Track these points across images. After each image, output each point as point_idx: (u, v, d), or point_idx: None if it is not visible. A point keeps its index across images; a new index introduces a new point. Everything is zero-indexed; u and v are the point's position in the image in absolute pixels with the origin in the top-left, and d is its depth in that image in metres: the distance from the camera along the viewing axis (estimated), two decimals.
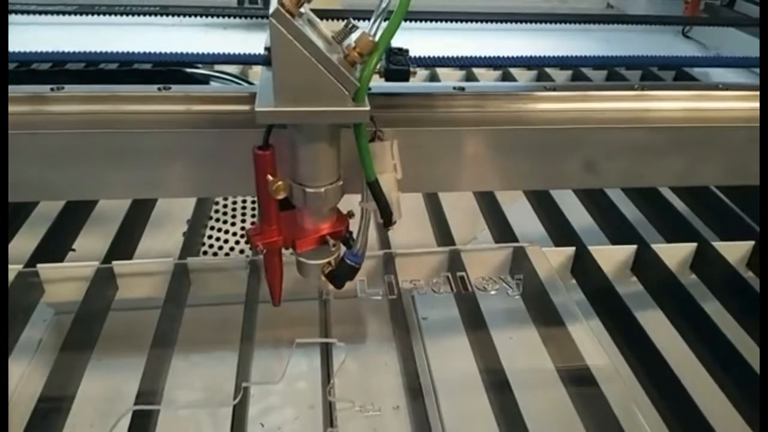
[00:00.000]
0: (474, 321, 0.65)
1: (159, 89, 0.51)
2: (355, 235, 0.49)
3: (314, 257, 0.49)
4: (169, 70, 0.59)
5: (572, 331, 0.62)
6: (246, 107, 0.51)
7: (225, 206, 0.94)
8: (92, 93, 0.50)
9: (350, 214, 0.50)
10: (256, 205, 0.90)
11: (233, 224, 0.92)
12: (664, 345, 0.61)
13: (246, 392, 0.55)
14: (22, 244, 0.75)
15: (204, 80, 0.59)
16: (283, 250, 0.51)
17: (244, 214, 0.94)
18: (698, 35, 1.31)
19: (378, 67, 0.43)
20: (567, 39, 1.08)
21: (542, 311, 0.66)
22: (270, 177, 0.44)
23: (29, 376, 0.68)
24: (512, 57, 0.82)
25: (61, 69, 0.61)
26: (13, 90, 0.50)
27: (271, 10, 0.39)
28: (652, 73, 1.09)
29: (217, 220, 0.92)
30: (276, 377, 0.57)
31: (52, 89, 0.50)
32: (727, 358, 0.60)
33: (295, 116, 0.41)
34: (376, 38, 0.41)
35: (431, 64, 0.63)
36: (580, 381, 0.58)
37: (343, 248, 0.50)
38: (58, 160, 0.49)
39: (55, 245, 0.75)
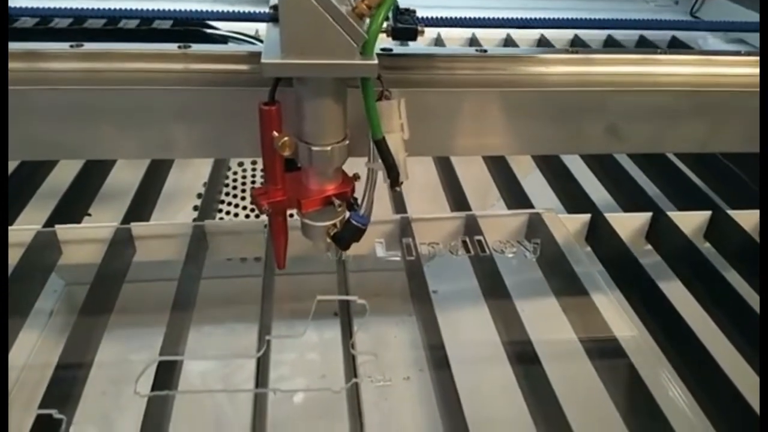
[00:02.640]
0: (492, 285, 0.65)
1: (179, 47, 0.51)
2: (360, 198, 0.49)
3: (319, 219, 0.49)
4: (187, 30, 0.60)
5: (596, 300, 0.62)
6: (256, 66, 0.50)
7: (235, 180, 0.95)
8: (112, 50, 0.50)
9: (356, 177, 0.50)
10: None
11: (243, 198, 0.93)
12: (683, 313, 0.61)
13: (269, 345, 0.56)
14: (38, 209, 0.76)
15: (222, 40, 0.59)
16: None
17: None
18: (706, 14, 1.31)
19: (385, 25, 0.42)
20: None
21: (562, 278, 0.66)
22: (276, 133, 0.44)
23: (41, 346, 0.70)
24: (516, 19, 0.82)
25: (80, 27, 0.61)
26: (33, 46, 0.50)
27: None
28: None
29: (227, 194, 0.93)
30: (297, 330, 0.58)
31: (71, 46, 0.50)
32: (747, 325, 0.60)
33: (302, 69, 0.41)
34: None
35: (439, 24, 0.62)
36: (606, 353, 0.58)
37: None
38: (76, 116, 0.49)
39: (71, 211, 0.76)
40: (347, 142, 0.46)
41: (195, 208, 0.89)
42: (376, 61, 0.41)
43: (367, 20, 0.41)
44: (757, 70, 0.56)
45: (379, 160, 0.46)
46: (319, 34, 0.40)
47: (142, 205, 0.78)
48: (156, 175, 0.85)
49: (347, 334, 0.59)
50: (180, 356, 0.58)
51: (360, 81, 0.43)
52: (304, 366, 0.73)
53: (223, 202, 0.91)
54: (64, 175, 0.81)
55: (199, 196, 0.89)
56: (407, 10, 0.49)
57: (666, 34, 1.16)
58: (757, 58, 0.56)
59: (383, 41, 0.45)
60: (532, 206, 0.76)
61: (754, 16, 1.13)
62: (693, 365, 0.57)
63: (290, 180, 0.48)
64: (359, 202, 0.49)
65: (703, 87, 0.55)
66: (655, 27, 1.02)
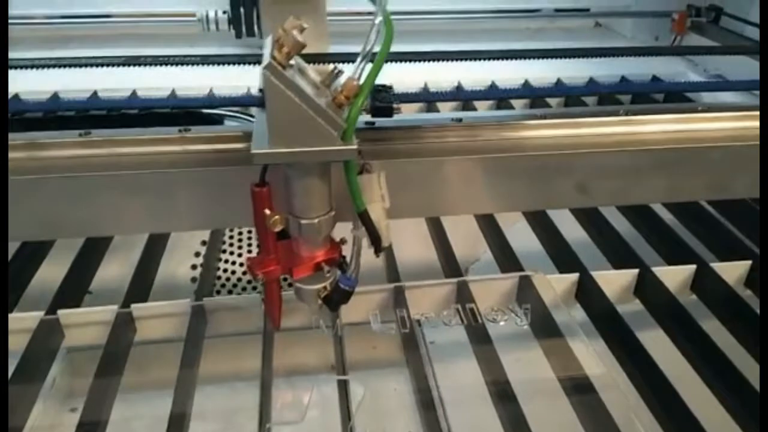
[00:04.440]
0: (483, 347, 0.67)
1: (179, 131, 0.55)
2: (348, 260, 0.52)
3: (310, 283, 0.52)
4: (186, 112, 0.64)
5: (572, 344, 0.65)
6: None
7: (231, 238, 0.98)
8: (118, 137, 0.54)
9: (342, 241, 0.53)
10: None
11: (240, 255, 0.96)
12: (664, 362, 0.63)
13: None
14: (42, 286, 0.79)
15: (219, 120, 0.63)
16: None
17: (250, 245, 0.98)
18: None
19: (365, 104, 0.46)
20: (558, 61, 1.11)
21: (547, 332, 0.68)
22: (267, 211, 0.48)
23: (45, 412, 0.71)
24: (504, 89, 0.85)
25: (86, 115, 0.65)
26: (44, 136, 0.54)
27: (263, 64, 0.42)
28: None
29: (224, 251, 0.96)
30: (296, 415, 0.60)
31: (80, 134, 0.54)
32: (726, 374, 0.61)
33: (288, 156, 0.45)
34: (362, 80, 0.44)
35: (414, 99, 0.66)
36: (580, 389, 0.61)
37: (338, 273, 0.53)
38: (89, 200, 0.53)
39: (74, 287, 0.78)
40: (333, 213, 0.50)
41: (193, 267, 0.92)
42: (355, 146, 0.45)
43: (345, 108, 0.45)
44: (714, 125, 0.60)
45: (363, 228, 0.49)
46: (301, 126, 0.44)
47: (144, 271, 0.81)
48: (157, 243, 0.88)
49: (346, 416, 0.59)
50: None
51: (342, 162, 0.46)
52: None
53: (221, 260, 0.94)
54: (62, 257, 0.84)
55: (197, 254, 0.93)
56: (384, 86, 0.53)
57: (648, 71, 1.21)
58: (715, 114, 0.61)
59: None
60: (518, 261, 0.79)
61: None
62: (666, 405, 0.59)
63: (283, 248, 0.51)
64: (347, 261, 0.52)
65: (662, 145, 0.59)
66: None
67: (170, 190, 0.54)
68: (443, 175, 0.56)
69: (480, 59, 0.79)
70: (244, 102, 0.64)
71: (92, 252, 0.84)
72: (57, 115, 0.68)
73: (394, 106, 0.51)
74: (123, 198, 0.54)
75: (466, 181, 0.57)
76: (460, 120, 0.59)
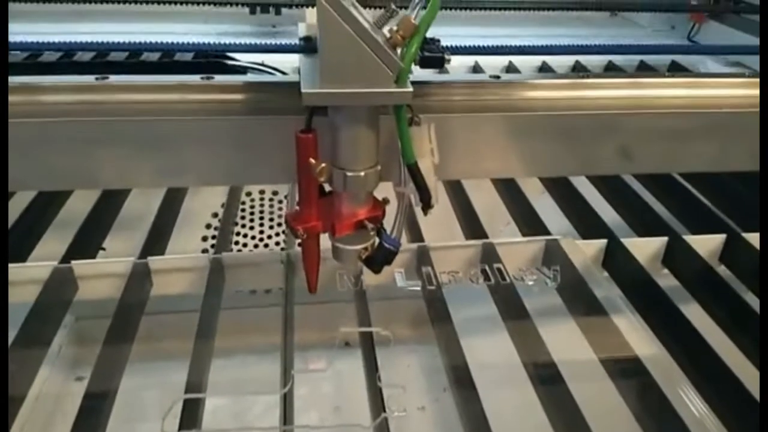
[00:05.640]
0: (513, 310, 0.65)
1: (201, 79, 0.51)
2: (390, 224, 0.50)
3: (351, 242, 0.50)
4: (208, 62, 0.60)
5: (617, 321, 0.62)
6: (283, 96, 0.51)
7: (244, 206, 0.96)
8: (137, 83, 0.51)
9: (386, 201, 0.50)
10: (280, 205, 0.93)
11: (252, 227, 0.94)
12: (703, 334, 0.61)
13: (293, 380, 0.55)
14: (54, 242, 0.76)
15: (242, 71, 0.60)
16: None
17: (262, 217, 0.95)
18: (703, 39, 1.33)
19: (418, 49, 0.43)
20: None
21: (583, 302, 0.66)
22: (312, 160, 0.45)
23: (52, 380, 0.69)
24: (519, 46, 0.83)
25: (104, 60, 0.62)
26: (59, 79, 0.50)
27: None
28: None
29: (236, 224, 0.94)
30: (321, 364, 0.58)
31: (96, 79, 0.50)
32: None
33: (341, 98, 0.42)
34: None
35: (464, 52, 0.64)
36: (629, 372, 0.58)
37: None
38: (104, 147, 0.50)
39: (86, 244, 0.76)
40: (379, 167, 0.47)
41: (203, 238, 0.89)
42: (411, 89, 0.42)
43: (399, 50, 0.42)
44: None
45: (411, 184, 0.46)
46: (357, 63, 0.41)
47: (158, 234, 0.78)
48: (171, 201, 0.85)
49: (372, 367, 0.58)
50: (203, 394, 0.57)
51: (392, 108, 0.44)
52: (325, 400, 0.72)
53: (238, 233, 0.91)
54: (79, 207, 0.81)
55: (208, 226, 0.90)
56: (432, 39, 0.50)
57: (666, 59, 1.18)
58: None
59: None
60: (546, 231, 0.77)
61: (749, 39, 1.15)
62: (715, 383, 0.57)
63: (322, 205, 0.49)
64: (392, 226, 0.49)
65: (708, 109, 0.56)
66: (655, 52, 1.03)
67: (190, 140, 0.51)
68: (480, 133, 0.53)
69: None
70: (282, 49, 0.61)
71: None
72: (73, 60, 0.64)
73: (445, 56, 0.48)
74: (140, 148, 0.50)
75: (502, 142, 0.54)
76: (498, 77, 0.56)
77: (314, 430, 0.58)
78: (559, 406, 0.55)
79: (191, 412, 0.53)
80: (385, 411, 0.53)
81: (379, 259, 0.50)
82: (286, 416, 0.54)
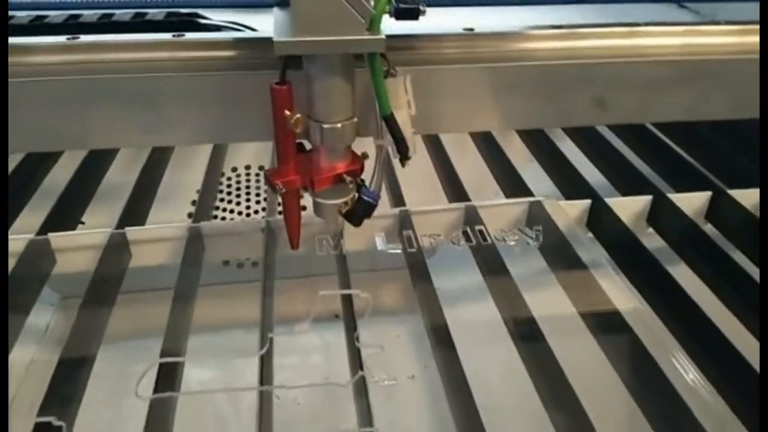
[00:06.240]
0: (495, 270, 0.64)
1: (173, 36, 0.50)
2: (369, 177, 0.49)
3: (331, 197, 0.49)
4: (181, 20, 0.59)
5: (600, 280, 0.61)
6: (263, 51, 0.51)
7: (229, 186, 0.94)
8: (108, 42, 0.50)
9: (365, 155, 0.50)
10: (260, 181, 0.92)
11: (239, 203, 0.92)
12: (691, 294, 0.61)
13: (271, 342, 0.55)
14: (31, 217, 0.74)
15: (215, 29, 0.59)
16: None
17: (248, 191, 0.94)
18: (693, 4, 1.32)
19: (387, 7, 0.43)
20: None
21: (566, 263, 0.66)
22: (287, 112, 0.44)
23: (38, 359, 0.68)
24: None
25: (75, 21, 0.60)
26: (31, 41, 0.49)
27: None
28: None
29: (221, 200, 0.92)
30: (301, 326, 0.57)
31: (68, 38, 0.49)
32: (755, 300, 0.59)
33: (313, 46, 0.41)
34: None
35: (439, 3, 0.62)
36: (611, 327, 0.58)
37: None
38: (77, 107, 0.49)
39: (64, 218, 0.74)
40: (356, 119, 0.46)
41: (189, 215, 0.88)
42: (383, 36, 0.42)
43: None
44: (739, 39, 0.57)
45: (388, 136, 0.45)
46: (328, 12, 0.41)
47: (137, 206, 0.77)
48: (152, 173, 0.84)
49: (351, 327, 0.58)
50: (181, 357, 0.56)
51: (367, 58, 0.43)
52: (307, 365, 0.71)
53: (218, 208, 0.90)
54: (57, 178, 0.80)
55: (194, 203, 0.88)
56: None
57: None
58: (734, 26, 0.57)
59: None
60: (530, 194, 0.76)
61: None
62: (701, 340, 0.56)
63: (301, 161, 0.48)
64: (371, 178, 0.49)
65: (686, 56, 0.56)
66: None
67: (164, 98, 0.49)
68: (453, 86, 0.52)
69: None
70: (257, 3, 0.60)
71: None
72: (44, 22, 0.63)
73: (420, 7, 0.47)
74: (113, 107, 0.49)
75: (477, 95, 0.53)
76: (471, 29, 0.54)
77: (291, 389, 0.58)
78: (541, 363, 0.55)
79: (167, 377, 0.53)
80: (362, 369, 0.52)
81: (359, 213, 0.49)
82: (264, 377, 0.53)
